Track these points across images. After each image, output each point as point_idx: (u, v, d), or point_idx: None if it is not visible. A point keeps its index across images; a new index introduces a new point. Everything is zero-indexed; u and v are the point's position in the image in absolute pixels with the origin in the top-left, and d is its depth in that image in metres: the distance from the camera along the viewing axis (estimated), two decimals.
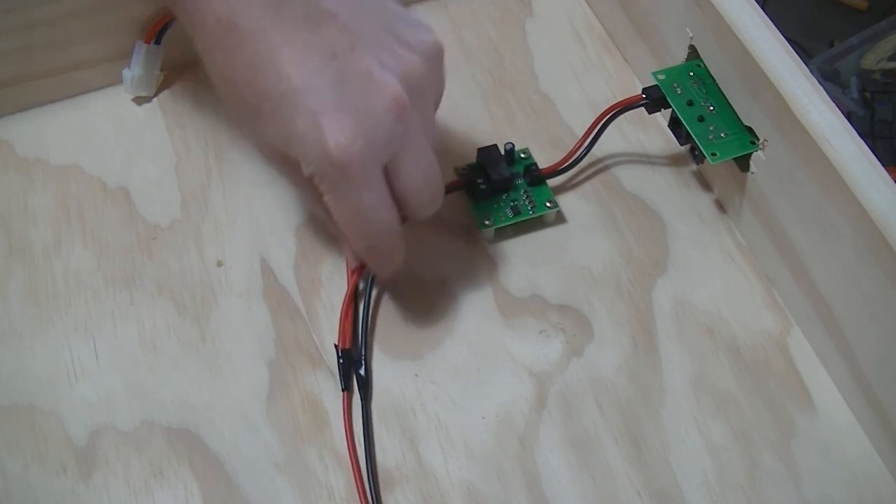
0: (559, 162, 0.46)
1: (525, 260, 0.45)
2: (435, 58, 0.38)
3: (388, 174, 0.37)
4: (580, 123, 0.48)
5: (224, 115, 0.39)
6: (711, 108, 0.44)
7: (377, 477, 0.39)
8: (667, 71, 0.45)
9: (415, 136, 0.37)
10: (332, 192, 0.37)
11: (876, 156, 0.37)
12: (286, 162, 0.37)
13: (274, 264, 0.44)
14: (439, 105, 0.40)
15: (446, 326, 0.43)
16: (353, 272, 0.42)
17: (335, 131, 0.35)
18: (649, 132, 0.49)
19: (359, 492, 0.38)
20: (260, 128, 0.37)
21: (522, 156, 0.47)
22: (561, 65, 0.52)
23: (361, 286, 0.43)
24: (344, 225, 0.38)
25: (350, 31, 0.36)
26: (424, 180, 0.38)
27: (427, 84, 0.38)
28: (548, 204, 0.45)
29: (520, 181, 0.46)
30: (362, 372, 0.41)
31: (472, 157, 0.46)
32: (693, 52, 0.46)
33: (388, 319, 0.43)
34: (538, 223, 0.46)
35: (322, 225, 0.44)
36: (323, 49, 0.35)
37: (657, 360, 0.42)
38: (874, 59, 0.86)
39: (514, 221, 0.45)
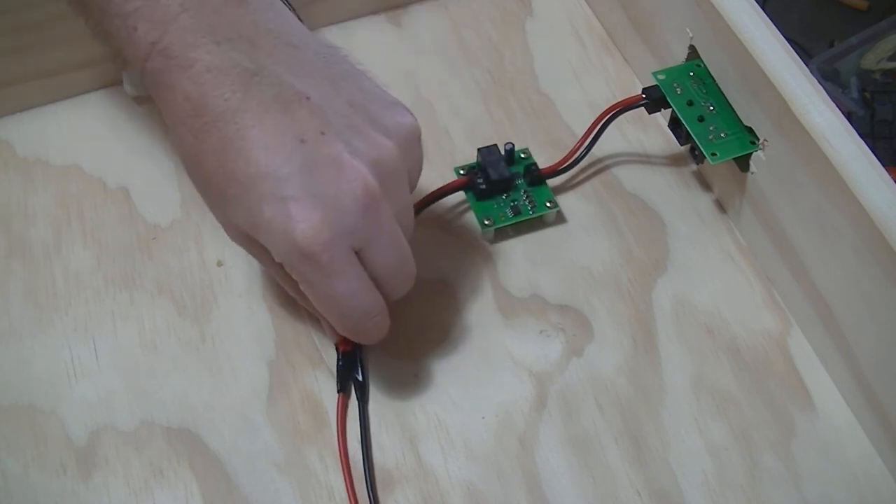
0: (559, 162, 0.46)
1: (525, 260, 0.45)
2: (410, 140, 0.37)
3: (360, 259, 0.36)
4: (580, 123, 0.48)
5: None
6: (711, 108, 0.44)
7: (374, 479, 0.39)
8: (667, 71, 0.45)
9: (386, 224, 0.36)
10: (304, 282, 0.36)
11: (876, 156, 0.37)
12: (255, 244, 0.36)
13: None
14: (417, 182, 0.39)
15: (446, 326, 0.43)
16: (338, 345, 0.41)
17: (302, 221, 0.34)
18: (649, 132, 0.49)
19: (348, 490, 0.38)
20: (228, 210, 0.36)
21: (522, 156, 0.47)
22: (561, 65, 0.52)
23: None
24: (323, 312, 0.37)
25: (321, 114, 0.35)
26: (395, 266, 0.37)
27: (400, 169, 0.36)
28: (548, 204, 0.45)
29: (520, 181, 0.46)
30: (359, 375, 0.41)
31: (472, 157, 0.46)
32: (693, 52, 0.46)
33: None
34: (538, 223, 0.46)
35: (297, 304, 0.42)
36: (293, 132, 0.34)
37: (657, 360, 0.42)
38: (874, 59, 0.86)
39: (514, 221, 0.45)
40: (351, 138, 0.35)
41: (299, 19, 0.39)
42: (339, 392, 0.40)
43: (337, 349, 0.41)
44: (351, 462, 0.39)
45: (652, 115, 0.47)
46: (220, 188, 0.35)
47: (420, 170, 0.39)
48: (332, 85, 0.36)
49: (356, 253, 0.36)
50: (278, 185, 0.34)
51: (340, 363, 0.41)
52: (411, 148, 0.37)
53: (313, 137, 0.34)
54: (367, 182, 0.35)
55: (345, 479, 0.38)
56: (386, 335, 0.39)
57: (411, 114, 0.38)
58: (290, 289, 0.39)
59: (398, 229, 0.37)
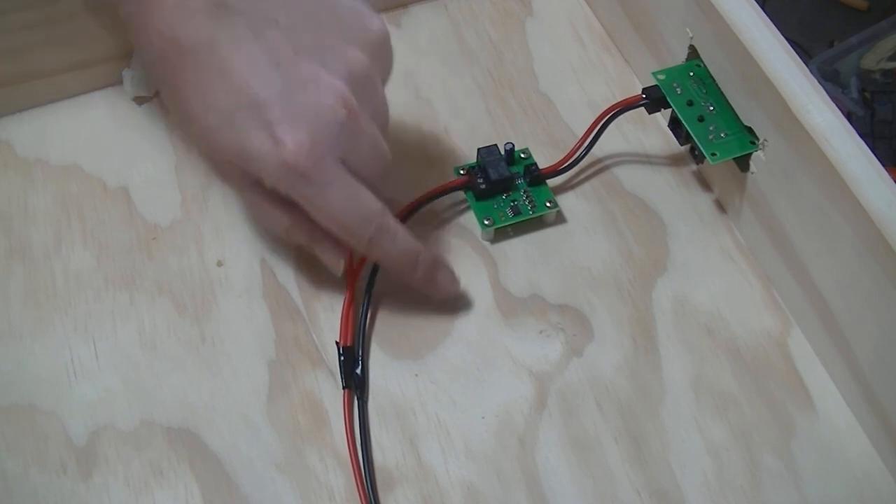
0: (559, 162, 0.46)
1: (525, 260, 0.45)
2: (380, 46, 0.38)
3: (345, 164, 0.37)
4: (580, 123, 0.48)
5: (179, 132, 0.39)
6: (711, 108, 0.44)
7: (374, 475, 0.39)
8: (667, 71, 0.45)
9: (365, 128, 0.37)
10: (301, 199, 0.37)
11: (876, 156, 0.37)
12: (243, 177, 0.38)
13: (274, 264, 0.44)
14: (388, 80, 0.40)
15: (446, 326, 0.43)
16: (350, 274, 0.42)
17: (289, 142, 0.35)
18: (649, 132, 0.49)
19: (358, 487, 0.38)
20: (213, 143, 0.37)
21: (522, 156, 0.47)
22: (561, 65, 0.52)
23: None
24: (329, 226, 0.38)
25: (292, 35, 0.36)
26: (377, 162, 0.39)
27: (373, 75, 0.38)
28: (548, 204, 0.45)
29: (520, 181, 0.46)
30: (359, 371, 0.41)
31: (472, 157, 0.46)
32: (693, 52, 0.46)
33: (388, 319, 0.43)
34: (538, 223, 0.46)
35: (290, 244, 0.43)
36: (267, 58, 0.35)
37: (657, 360, 0.42)
38: (874, 59, 0.86)
39: (514, 221, 0.45)
40: (323, 55, 0.36)
41: None
42: (343, 388, 0.40)
43: (337, 345, 0.41)
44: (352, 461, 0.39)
45: (652, 115, 0.47)
46: (202, 121, 0.36)
47: (391, 66, 0.40)
48: (298, 4, 0.37)
49: (341, 160, 0.37)
50: (260, 111, 0.35)
51: (342, 359, 0.41)
52: (382, 53, 0.39)
53: (287, 59, 0.36)
54: (343, 96, 0.36)
55: (353, 472, 0.38)
56: (415, 250, 0.40)
57: (379, 17, 0.39)
58: (279, 221, 0.39)
59: (375, 129, 0.38)
